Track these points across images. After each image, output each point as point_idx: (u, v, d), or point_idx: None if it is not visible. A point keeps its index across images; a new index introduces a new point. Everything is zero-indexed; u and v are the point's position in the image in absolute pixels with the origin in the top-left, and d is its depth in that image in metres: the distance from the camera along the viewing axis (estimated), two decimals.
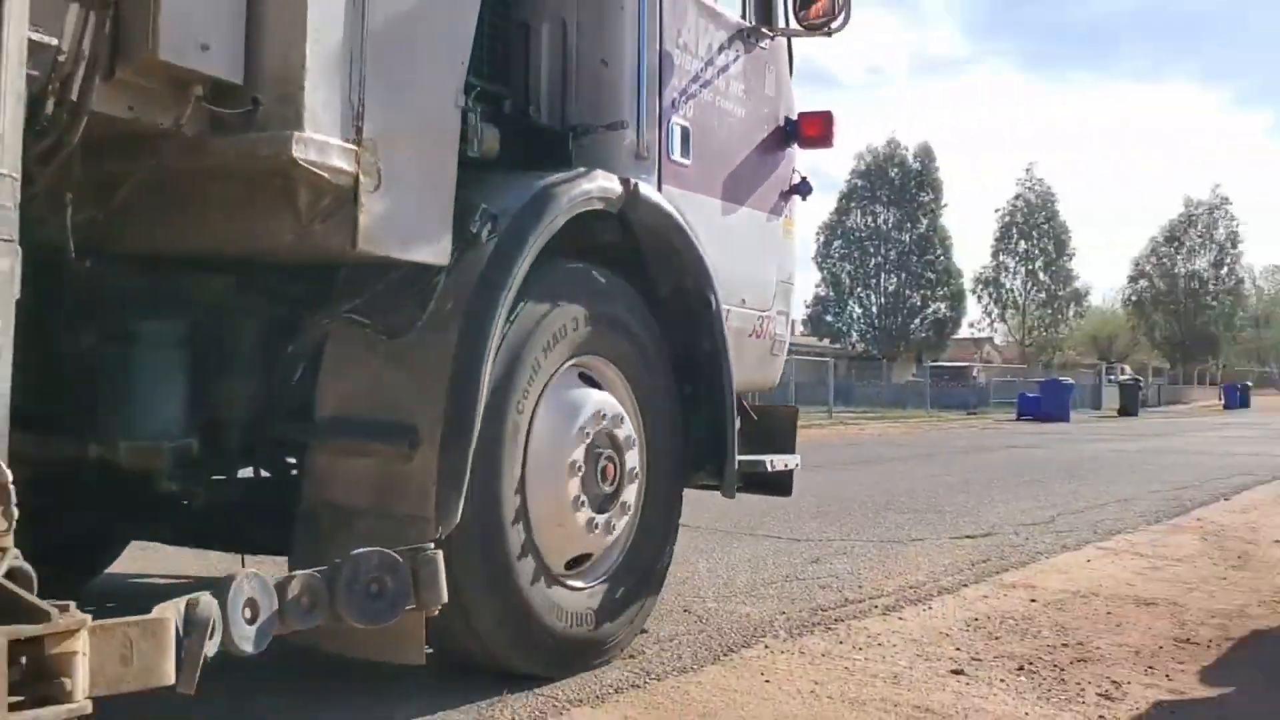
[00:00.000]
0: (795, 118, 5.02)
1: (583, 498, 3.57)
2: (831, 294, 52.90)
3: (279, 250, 2.99)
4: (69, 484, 3.32)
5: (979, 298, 57.99)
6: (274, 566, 2.97)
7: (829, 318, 52.53)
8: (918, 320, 52.14)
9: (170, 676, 2.06)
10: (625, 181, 3.74)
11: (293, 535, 3.16)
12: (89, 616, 1.90)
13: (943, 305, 52.58)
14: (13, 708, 1.76)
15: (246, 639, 2.29)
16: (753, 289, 4.74)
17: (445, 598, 2.65)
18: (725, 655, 3.92)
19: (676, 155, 4.22)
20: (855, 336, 52.68)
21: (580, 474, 3.56)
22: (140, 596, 2.87)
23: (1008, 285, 58.83)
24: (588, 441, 3.58)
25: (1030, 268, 58.54)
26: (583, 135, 3.89)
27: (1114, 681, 3.72)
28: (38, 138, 2.28)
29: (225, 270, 3.22)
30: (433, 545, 2.73)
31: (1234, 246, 61.98)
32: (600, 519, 3.64)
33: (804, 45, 5.18)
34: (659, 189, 4.02)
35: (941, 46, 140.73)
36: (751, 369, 4.70)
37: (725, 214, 4.58)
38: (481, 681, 3.36)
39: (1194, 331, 60.88)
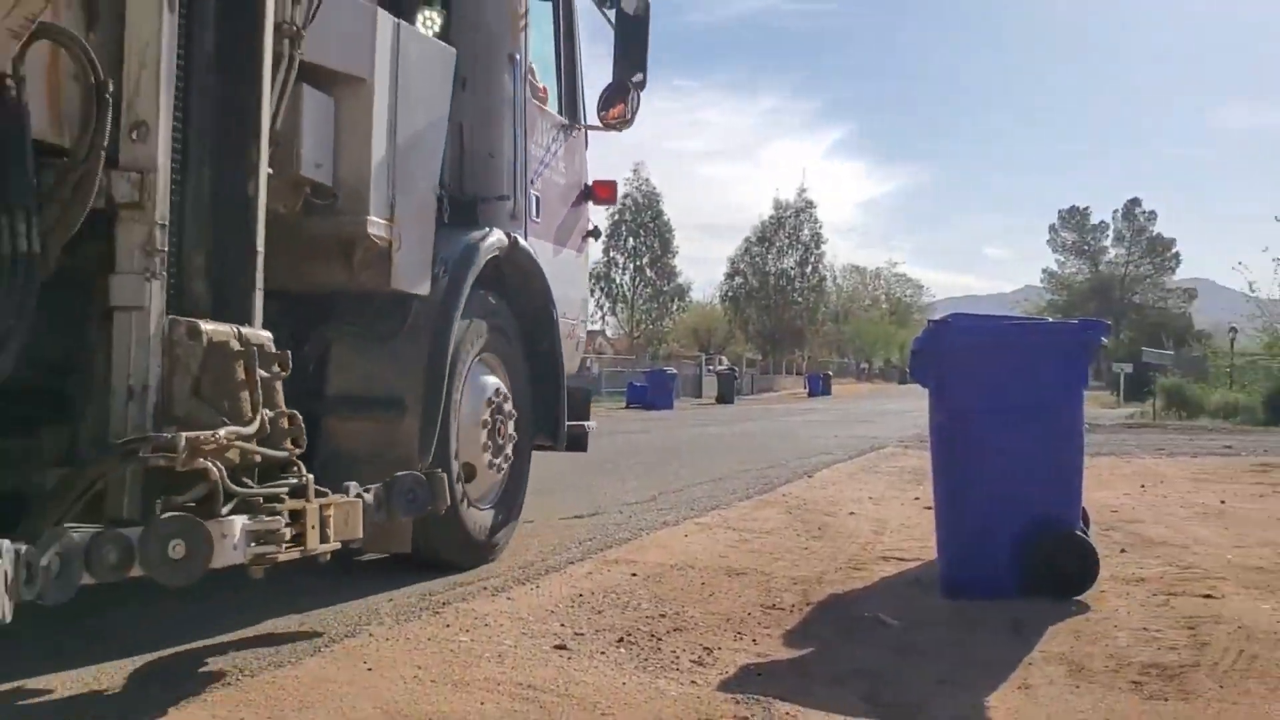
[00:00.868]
0: (591, 184, 7.05)
1: (489, 447, 5.34)
2: None
3: (334, 287, 4.61)
4: None
5: (592, 292, 59.80)
6: None
7: None
8: None
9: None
10: (509, 236, 5.53)
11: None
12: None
13: None
14: None
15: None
16: (569, 305, 6.55)
17: (449, 502, 4.22)
18: (326, 646, 3.77)
19: (534, 216, 6.09)
20: None
21: (486, 430, 5.31)
22: None
23: (618, 280, 61.05)
24: (491, 409, 5.34)
25: (638, 264, 61.03)
26: (481, 204, 5.57)
27: (706, 648, 3.90)
28: None
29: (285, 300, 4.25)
30: (440, 470, 4.16)
31: (817, 247, 67.30)
32: (496, 462, 5.42)
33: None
34: (525, 239, 5.77)
35: None
36: (568, 361, 6.41)
37: (555, 254, 6.48)
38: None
39: (782, 325, 65.60)
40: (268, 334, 3.47)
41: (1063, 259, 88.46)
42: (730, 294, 67.66)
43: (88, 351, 3.28)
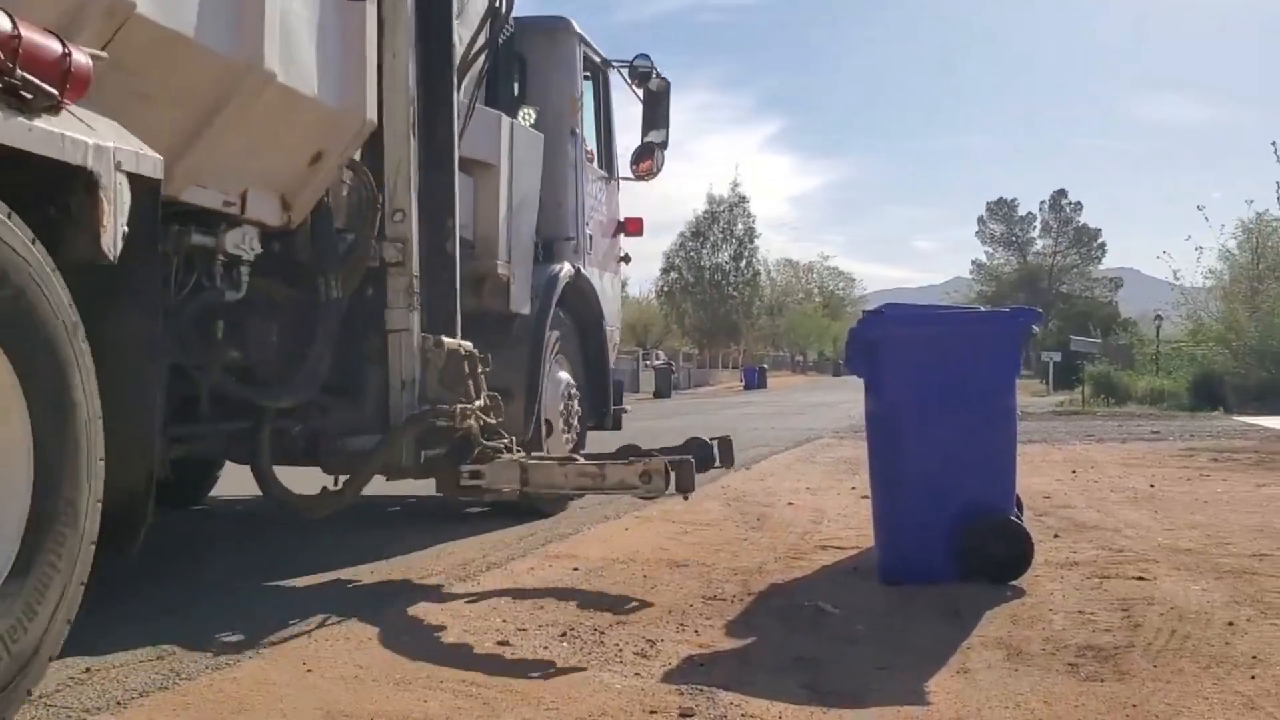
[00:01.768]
0: (622, 219, 8.96)
1: (564, 422, 7.14)
2: None
3: (467, 310, 5.61)
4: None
5: None
6: None
7: None
8: None
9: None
10: (575, 267, 7.40)
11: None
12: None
13: None
14: None
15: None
16: (611, 317, 8.21)
17: (734, 462, 6.22)
18: (266, 646, 3.72)
19: (588, 249, 7.93)
20: None
21: (563, 411, 7.11)
22: None
23: None
24: (564, 396, 7.15)
25: None
26: (554, 243, 7.44)
27: (649, 640, 3.90)
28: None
29: None
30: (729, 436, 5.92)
31: (751, 241, 67.54)
32: (568, 435, 7.16)
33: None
34: (585, 268, 7.63)
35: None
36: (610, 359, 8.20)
37: (601, 277, 8.21)
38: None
39: (718, 319, 65.78)
40: (469, 343, 5.25)
41: (991, 250, 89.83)
42: (666, 289, 67.74)
43: (372, 360, 5.00)
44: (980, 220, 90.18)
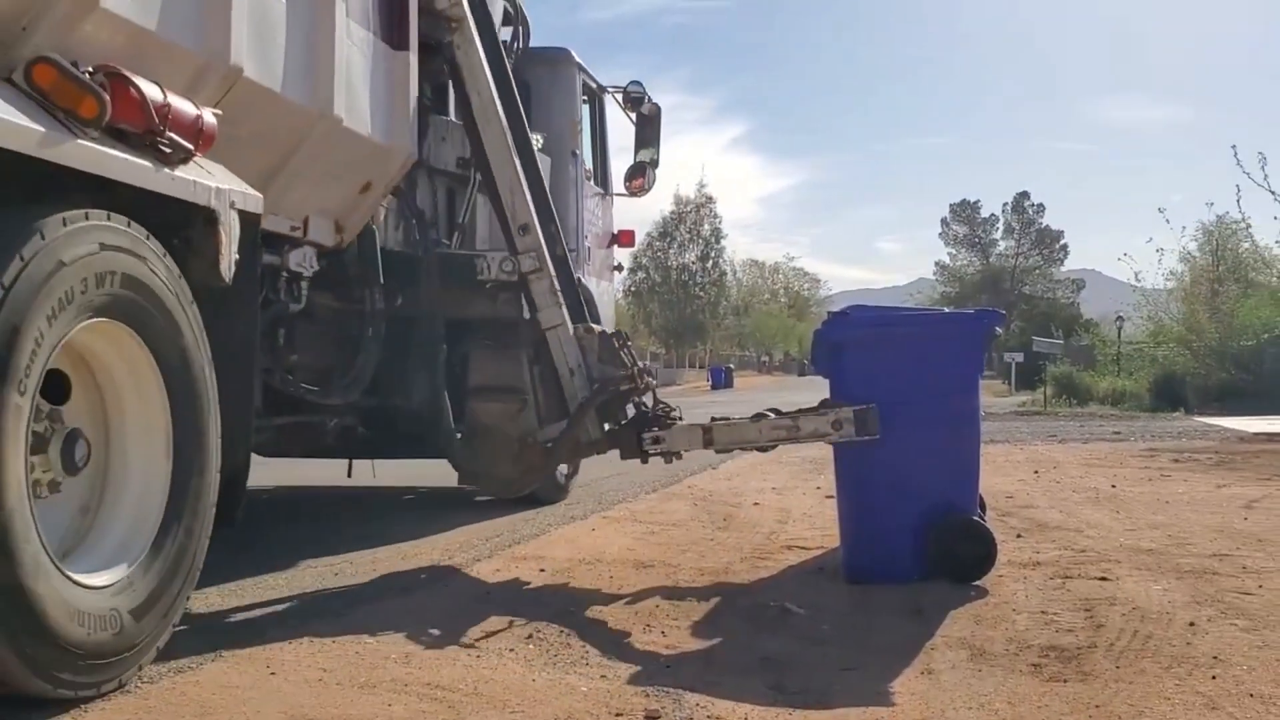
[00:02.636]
0: (616, 231, 9.78)
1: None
2: None
3: (482, 315, 6.43)
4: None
5: None
6: None
7: None
8: None
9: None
10: (576, 277, 6.77)
11: (461, 441, 6.29)
12: None
13: None
14: None
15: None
16: (606, 322, 7.96)
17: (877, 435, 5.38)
18: (228, 649, 3.68)
19: (587, 260, 8.53)
20: None
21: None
22: None
23: None
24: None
25: None
26: None
27: (615, 642, 3.90)
28: None
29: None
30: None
31: (717, 241, 67.66)
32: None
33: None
34: (585, 278, 7.82)
35: None
36: None
37: (598, 285, 8.73)
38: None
39: (685, 319, 65.84)
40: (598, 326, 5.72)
41: (955, 251, 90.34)
42: (633, 289, 67.75)
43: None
44: (944, 222, 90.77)
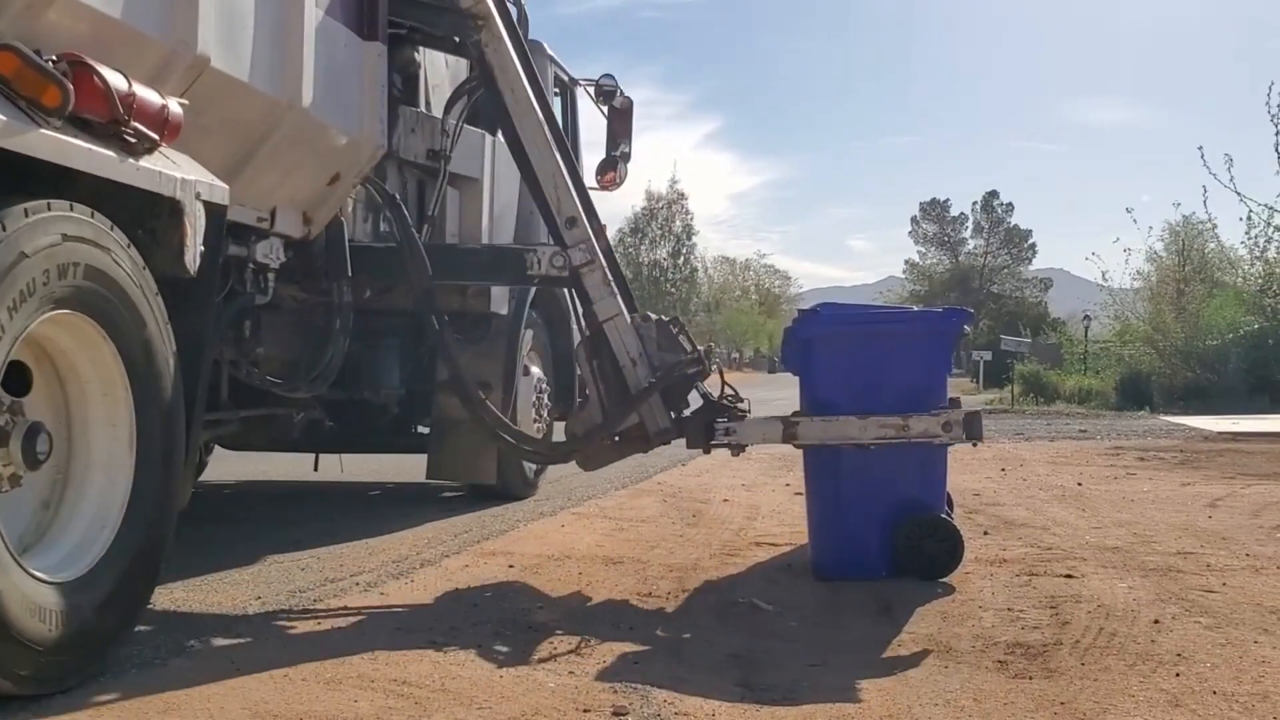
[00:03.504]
0: None
1: (536, 414, 7.41)
2: None
3: (451, 309, 6.42)
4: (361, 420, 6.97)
5: None
6: None
7: None
8: None
9: None
10: None
11: (430, 434, 6.99)
12: None
13: None
14: None
15: None
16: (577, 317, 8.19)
17: (982, 438, 5.36)
18: (193, 645, 3.65)
19: None
20: None
21: (535, 403, 7.40)
22: None
23: None
24: (537, 390, 7.47)
25: None
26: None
27: (583, 638, 3.88)
28: None
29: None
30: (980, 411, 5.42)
31: (689, 238, 67.83)
32: (538, 425, 7.41)
33: None
34: None
35: None
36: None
37: None
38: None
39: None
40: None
41: (924, 250, 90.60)
42: None
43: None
44: (914, 220, 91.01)
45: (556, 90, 8.76)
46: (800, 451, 5.17)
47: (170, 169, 3.39)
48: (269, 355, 5.31)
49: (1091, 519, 6.78)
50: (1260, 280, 25.64)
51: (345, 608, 4.29)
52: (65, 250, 2.98)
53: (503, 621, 4.09)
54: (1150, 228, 42.19)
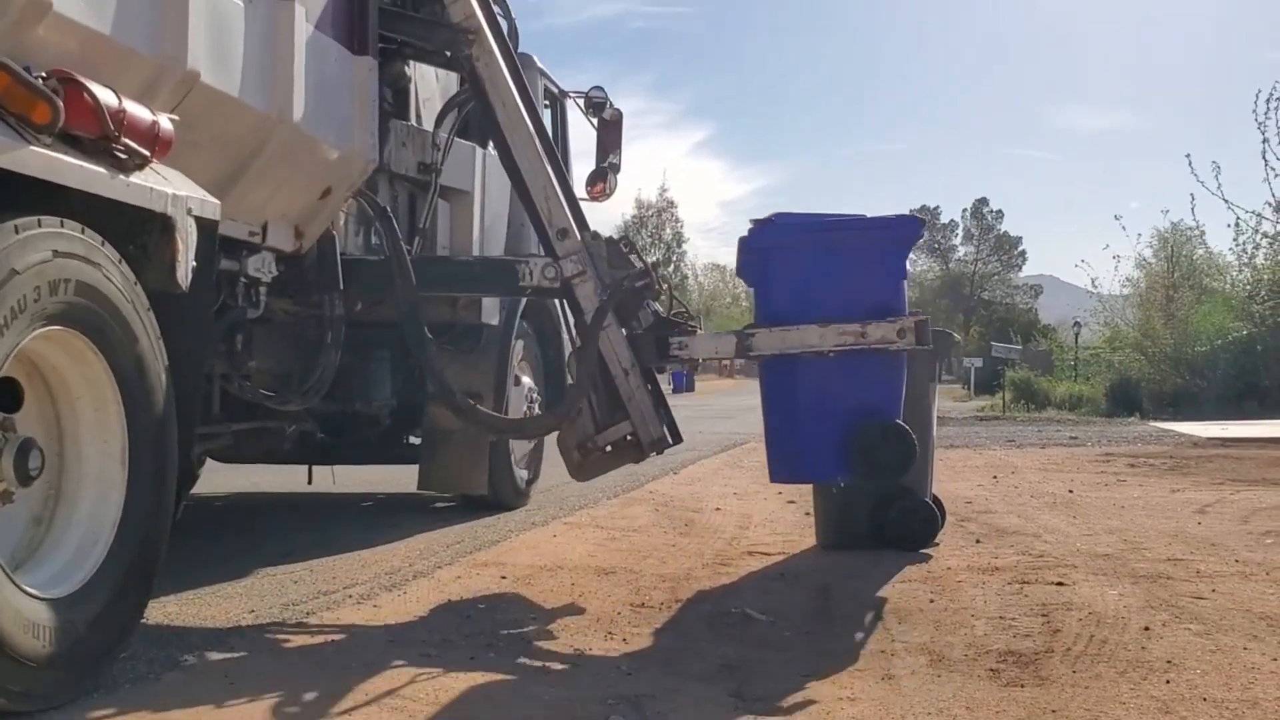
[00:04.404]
0: None
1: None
2: None
3: (443, 320, 6.68)
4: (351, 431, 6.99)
5: None
6: None
7: None
8: None
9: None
10: None
11: (421, 445, 7.00)
12: None
13: None
14: None
15: None
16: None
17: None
18: (187, 658, 3.64)
19: None
20: None
21: (525, 414, 7.25)
22: None
23: None
24: (528, 400, 7.42)
25: None
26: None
27: (577, 649, 3.89)
28: None
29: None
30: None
31: (679, 246, 67.94)
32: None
33: None
34: None
35: None
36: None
37: None
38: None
39: None
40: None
41: (914, 257, 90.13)
42: None
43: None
44: None
45: (547, 103, 8.80)
46: (758, 366, 5.32)
47: (161, 185, 3.40)
48: (261, 368, 5.34)
49: (1082, 526, 6.80)
50: (1248, 286, 25.75)
51: (338, 620, 4.29)
52: (56, 267, 2.99)
53: (495, 633, 4.09)
54: (1139, 234, 42.16)
